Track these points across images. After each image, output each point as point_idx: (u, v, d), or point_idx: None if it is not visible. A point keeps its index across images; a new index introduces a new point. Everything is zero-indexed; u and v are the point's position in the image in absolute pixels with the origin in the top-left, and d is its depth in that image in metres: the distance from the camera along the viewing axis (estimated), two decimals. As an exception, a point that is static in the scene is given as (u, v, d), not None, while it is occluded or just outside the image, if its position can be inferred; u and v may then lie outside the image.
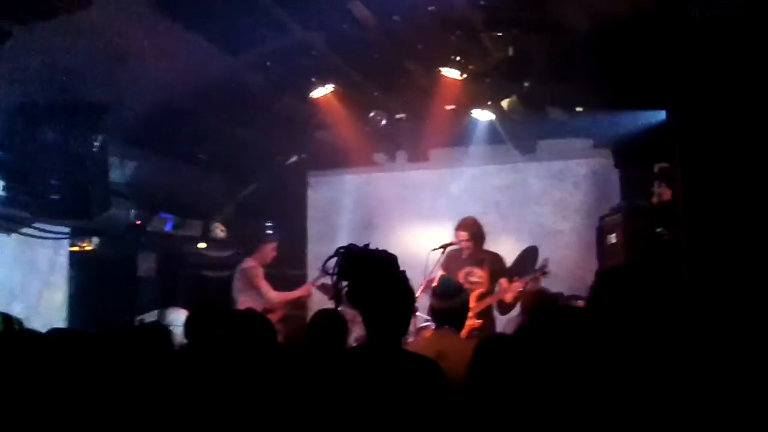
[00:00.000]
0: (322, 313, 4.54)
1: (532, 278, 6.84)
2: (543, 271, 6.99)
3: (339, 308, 3.56)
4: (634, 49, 5.03)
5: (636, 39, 4.93)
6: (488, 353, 3.30)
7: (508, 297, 6.79)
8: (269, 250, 7.72)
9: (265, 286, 7.39)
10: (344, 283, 3.13)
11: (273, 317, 6.89)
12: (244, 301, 7.19)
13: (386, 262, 3.18)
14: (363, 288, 3.11)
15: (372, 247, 3.21)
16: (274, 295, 7.44)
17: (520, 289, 6.68)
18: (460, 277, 6.90)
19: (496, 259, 7.09)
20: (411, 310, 3.25)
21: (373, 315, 3.13)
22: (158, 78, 6.71)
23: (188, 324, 4.31)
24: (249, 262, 7.53)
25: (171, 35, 6.22)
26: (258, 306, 6.85)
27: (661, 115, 4.75)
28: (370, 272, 3.11)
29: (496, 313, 7.12)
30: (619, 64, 5.41)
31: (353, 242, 3.20)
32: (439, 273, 6.67)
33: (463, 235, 7.04)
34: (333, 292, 3.19)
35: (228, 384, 3.24)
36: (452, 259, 7.17)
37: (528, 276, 6.90)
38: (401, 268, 3.22)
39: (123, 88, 6.56)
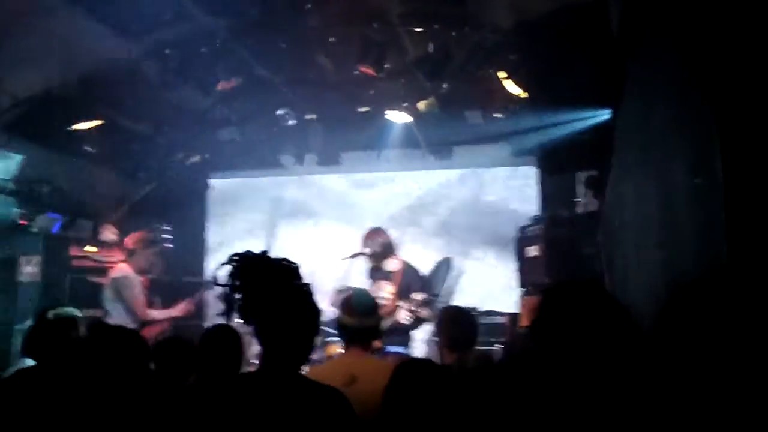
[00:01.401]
0: (215, 329, 3.95)
1: (426, 299, 6.28)
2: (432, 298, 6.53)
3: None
4: (561, 45, 4.67)
5: (562, 34, 4.56)
6: (407, 378, 3.03)
7: (402, 317, 6.24)
8: (147, 256, 6.74)
9: (138, 300, 6.41)
10: (237, 296, 2.58)
11: (153, 330, 6.22)
12: (117, 314, 6.32)
13: (286, 271, 2.65)
14: (258, 302, 2.57)
15: (273, 254, 2.68)
16: (145, 312, 6.40)
17: (412, 309, 6.14)
18: (373, 291, 6.42)
19: (410, 273, 6.56)
20: (315, 329, 2.72)
21: (269, 334, 2.60)
22: (40, 60, 5.99)
23: (30, 339, 3.62)
24: (121, 270, 6.55)
25: (56, 12, 5.53)
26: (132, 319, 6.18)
27: (602, 114, 4.39)
28: (267, 283, 2.57)
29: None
30: (544, 61, 5.05)
31: (255, 249, 2.67)
32: (350, 286, 6.14)
33: (370, 244, 6.52)
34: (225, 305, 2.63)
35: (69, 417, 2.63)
36: (373, 269, 6.67)
37: (422, 296, 6.32)
38: (304, 280, 2.70)
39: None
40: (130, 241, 6.70)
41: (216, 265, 2.65)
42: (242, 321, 2.66)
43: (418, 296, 6.18)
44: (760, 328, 1.49)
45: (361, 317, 3.82)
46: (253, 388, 2.52)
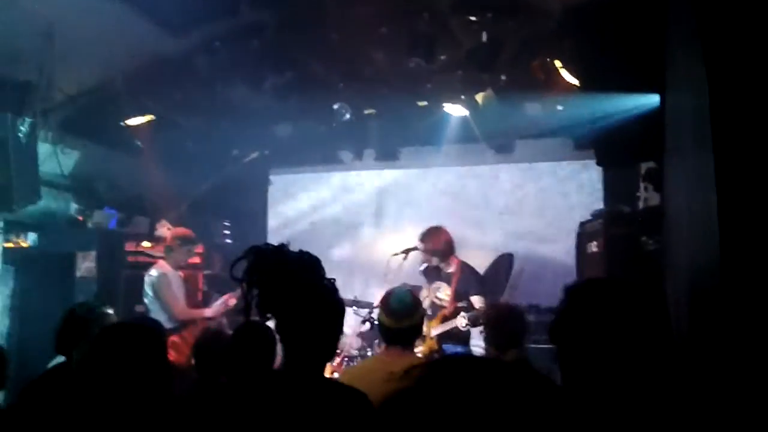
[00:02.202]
0: (245, 326, 3.86)
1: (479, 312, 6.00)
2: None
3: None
4: (615, 29, 4.41)
5: (618, 17, 4.31)
6: (439, 375, 2.81)
7: (461, 325, 6.00)
8: (184, 253, 6.66)
9: (172, 298, 6.27)
10: (255, 292, 2.48)
11: (197, 329, 6.10)
12: (155, 312, 6.28)
13: (305, 265, 2.53)
14: (275, 297, 2.46)
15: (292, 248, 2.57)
16: (181, 311, 6.34)
17: (465, 323, 5.89)
18: (430, 291, 6.24)
19: (468, 274, 6.33)
20: (337, 327, 2.59)
21: (288, 331, 2.49)
22: (91, 56, 6.05)
23: (59, 335, 3.57)
24: (158, 268, 6.48)
25: (104, 8, 5.55)
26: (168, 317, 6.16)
27: (652, 100, 4.13)
28: (283, 277, 2.46)
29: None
30: (600, 47, 4.80)
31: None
32: (403, 283, 5.95)
33: (422, 247, 6.32)
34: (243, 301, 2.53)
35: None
36: (431, 269, 6.48)
37: (481, 302, 6.06)
38: (326, 275, 2.58)
39: (50, 67, 5.87)
40: (168, 237, 6.71)
41: (234, 260, 2.56)
42: (260, 317, 2.56)
43: (477, 302, 5.97)
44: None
45: (398, 318, 3.67)
46: (273, 388, 2.42)
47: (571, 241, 7.64)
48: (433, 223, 6.50)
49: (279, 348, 3.99)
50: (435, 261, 6.30)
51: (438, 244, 6.25)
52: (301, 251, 2.58)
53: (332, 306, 2.55)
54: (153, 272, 6.44)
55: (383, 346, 4.09)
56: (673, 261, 4.21)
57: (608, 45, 4.43)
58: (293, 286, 2.48)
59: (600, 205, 7.84)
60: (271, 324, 3.16)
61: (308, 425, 2.30)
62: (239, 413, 2.32)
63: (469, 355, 3.39)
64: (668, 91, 3.24)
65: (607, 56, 4.43)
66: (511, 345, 4.18)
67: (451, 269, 6.28)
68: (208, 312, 6.53)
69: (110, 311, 3.68)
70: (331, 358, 2.70)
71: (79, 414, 2.50)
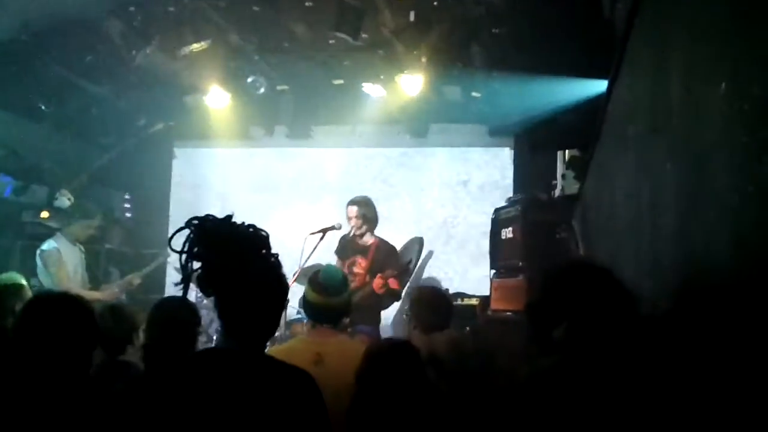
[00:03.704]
0: (167, 302, 3.67)
1: (397, 273, 6.10)
2: (406, 268, 6.37)
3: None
4: (549, 13, 4.40)
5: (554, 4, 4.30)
6: (379, 359, 2.95)
7: (378, 290, 6.03)
8: (83, 228, 6.33)
9: (63, 274, 5.94)
10: (196, 265, 2.31)
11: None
12: (46, 286, 5.92)
13: (253, 239, 2.38)
14: (219, 272, 2.30)
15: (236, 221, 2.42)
16: (70, 289, 5.63)
17: (382, 284, 5.95)
18: (344, 267, 6.19)
19: (383, 248, 6.34)
20: (282, 304, 2.47)
21: (231, 308, 2.34)
22: (-1, 10, 5.62)
23: None
24: (53, 240, 6.13)
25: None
26: None
27: (595, 87, 4.14)
28: (230, 251, 2.30)
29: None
30: (531, 33, 4.79)
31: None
32: (317, 262, 5.87)
33: (354, 211, 6.28)
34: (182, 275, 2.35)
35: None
36: (344, 245, 6.45)
37: (392, 271, 6.12)
38: (274, 250, 2.44)
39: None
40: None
41: (173, 231, 2.38)
42: (201, 292, 2.40)
43: (390, 273, 5.99)
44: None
45: (329, 296, 3.57)
46: (213, 366, 2.26)
47: (480, 228, 7.74)
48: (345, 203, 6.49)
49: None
50: (359, 229, 6.27)
51: (373, 211, 6.27)
52: (246, 224, 2.43)
53: (279, 282, 2.43)
54: (45, 245, 6.12)
55: (308, 324, 4.00)
56: (602, 246, 4.27)
57: (548, 30, 4.43)
58: (240, 261, 2.33)
59: (510, 192, 7.94)
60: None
61: (256, 403, 2.17)
62: (185, 391, 2.16)
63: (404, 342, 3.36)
64: (620, 78, 3.25)
65: (547, 42, 4.43)
66: (439, 328, 4.19)
67: (368, 242, 6.29)
68: (100, 295, 6.22)
69: (23, 282, 3.45)
70: (272, 336, 2.58)
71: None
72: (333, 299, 3.58)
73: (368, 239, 6.38)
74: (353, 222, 6.34)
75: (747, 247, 1.60)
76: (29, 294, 4.08)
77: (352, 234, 6.39)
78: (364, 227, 6.32)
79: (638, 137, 2.80)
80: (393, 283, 6.02)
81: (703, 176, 1.93)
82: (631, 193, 2.97)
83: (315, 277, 3.68)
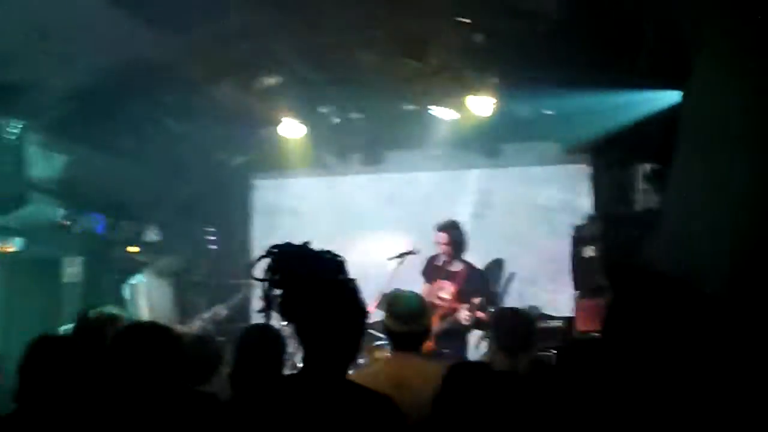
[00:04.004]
0: (253, 329, 3.76)
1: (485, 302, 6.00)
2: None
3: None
4: (617, 23, 4.35)
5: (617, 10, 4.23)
6: (459, 382, 2.82)
7: (463, 318, 5.96)
8: (170, 262, 6.56)
9: (142, 308, 6.20)
10: (277, 292, 2.38)
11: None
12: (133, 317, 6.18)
13: (331, 266, 2.44)
14: (299, 298, 2.36)
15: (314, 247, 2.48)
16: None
17: (468, 315, 5.86)
18: (431, 291, 6.16)
19: (472, 274, 6.29)
20: (362, 330, 2.50)
21: (311, 335, 2.39)
22: (83, 58, 5.91)
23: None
24: (141, 275, 6.35)
25: (100, 9, 5.42)
26: None
27: (668, 97, 4.06)
28: (308, 277, 2.36)
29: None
30: (600, 44, 4.74)
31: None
32: (397, 287, 5.88)
33: (443, 238, 6.23)
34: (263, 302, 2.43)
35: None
36: (432, 268, 6.41)
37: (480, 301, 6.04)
38: (349, 275, 2.49)
39: (42, 69, 5.74)
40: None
41: (254, 259, 2.46)
42: (282, 319, 2.46)
43: (477, 299, 5.93)
44: None
45: (407, 323, 3.58)
46: (295, 392, 2.32)
47: (560, 247, 7.63)
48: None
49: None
50: (449, 255, 6.22)
51: (461, 235, 6.23)
52: (323, 250, 2.50)
53: (358, 307, 2.47)
54: (133, 279, 6.37)
55: (389, 350, 4.02)
56: (684, 258, 4.17)
57: (618, 41, 4.39)
58: (318, 287, 2.38)
59: (590, 210, 7.82)
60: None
61: (339, 429, 2.21)
62: (268, 418, 2.22)
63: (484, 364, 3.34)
64: (692, 89, 3.19)
65: (618, 53, 4.39)
66: (522, 349, 4.11)
67: (457, 268, 6.24)
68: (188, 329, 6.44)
69: (121, 313, 3.61)
70: (353, 361, 2.61)
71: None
72: (411, 326, 3.58)
73: (457, 264, 6.30)
74: (443, 249, 6.25)
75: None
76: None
77: (440, 258, 6.33)
78: (449, 253, 6.26)
79: (714, 145, 2.76)
80: (481, 315, 5.95)
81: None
82: (710, 203, 2.92)
83: (392, 305, 3.70)
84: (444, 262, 6.27)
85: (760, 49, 1.97)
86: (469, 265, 6.30)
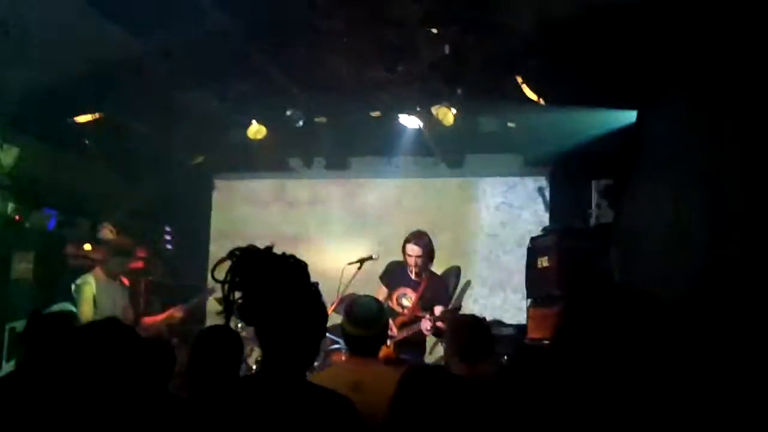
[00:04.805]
0: (211, 330, 3.76)
1: (446, 315, 6.04)
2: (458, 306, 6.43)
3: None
4: (583, 47, 4.46)
5: (586, 35, 4.35)
6: (414, 386, 2.78)
7: (425, 328, 6.01)
8: (121, 262, 6.43)
9: (85, 309, 5.91)
10: (237, 294, 2.39)
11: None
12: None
13: (293, 269, 2.46)
14: (260, 301, 2.38)
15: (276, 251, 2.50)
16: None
17: (431, 326, 5.91)
18: (391, 297, 6.19)
19: (436, 284, 6.34)
20: (322, 332, 2.53)
21: (272, 336, 2.41)
22: (42, 53, 5.83)
23: (25, 336, 3.38)
24: (89, 275, 6.23)
25: (65, 6, 5.37)
26: None
27: (626, 117, 4.17)
28: (271, 280, 2.38)
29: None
30: (565, 65, 4.85)
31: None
32: (355, 292, 5.90)
33: (416, 250, 6.23)
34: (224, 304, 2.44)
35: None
36: (394, 274, 6.41)
37: (443, 312, 6.08)
38: (312, 279, 2.51)
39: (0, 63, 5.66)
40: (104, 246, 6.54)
41: (215, 261, 2.47)
42: (242, 322, 2.48)
43: (439, 309, 5.99)
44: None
45: (364, 327, 3.62)
46: (254, 393, 2.34)
47: (517, 257, 7.76)
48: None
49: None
50: (418, 267, 6.22)
51: (431, 246, 6.23)
52: (285, 254, 2.52)
53: (319, 311, 2.50)
54: (79, 279, 6.27)
55: (346, 354, 4.05)
56: (638, 272, 4.28)
57: (582, 63, 4.49)
58: (281, 290, 2.41)
59: (546, 222, 7.98)
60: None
61: (297, 428, 2.24)
62: (226, 418, 2.23)
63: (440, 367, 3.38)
64: (652, 109, 3.28)
65: (580, 73, 4.49)
66: (481, 357, 4.15)
67: (420, 277, 6.26)
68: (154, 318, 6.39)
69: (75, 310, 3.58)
70: (312, 363, 2.64)
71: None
72: (368, 331, 3.62)
73: (422, 273, 6.29)
74: (414, 261, 6.21)
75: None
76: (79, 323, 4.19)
77: (405, 266, 6.35)
78: (423, 264, 6.25)
79: (670, 165, 2.84)
80: (441, 326, 5.96)
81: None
82: (667, 220, 3.01)
83: (350, 310, 3.73)
84: (411, 271, 6.28)
85: (715, 89, 2.05)
86: (432, 274, 6.34)
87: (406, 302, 6.20)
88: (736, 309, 1.95)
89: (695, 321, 2.37)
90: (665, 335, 2.04)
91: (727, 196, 1.92)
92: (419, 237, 6.25)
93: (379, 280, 6.43)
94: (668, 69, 3.02)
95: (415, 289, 6.22)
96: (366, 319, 3.64)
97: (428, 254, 6.23)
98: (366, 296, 4.58)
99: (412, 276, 6.25)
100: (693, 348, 2.20)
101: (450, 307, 6.14)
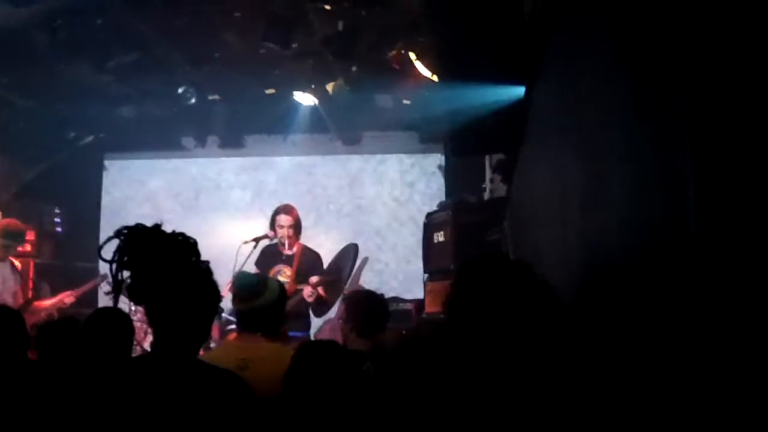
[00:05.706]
0: (101, 313, 3.67)
1: (327, 280, 6.16)
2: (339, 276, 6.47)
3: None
4: (471, 21, 4.53)
5: (473, 9, 4.41)
6: (309, 360, 2.86)
7: (308, 298, 6.07)
8: (5, 245, 6.22)
9: None
10: (126, 273, 2.35)
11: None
12: None
13: (182, 246, 2.44)
14: (149, 280, 2.35)
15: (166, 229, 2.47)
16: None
17: (311, 292, 6.00)
18: (270, 275, 6.19)
19: (310, 256, 6.38)
20: (213, 311, 2.51)
21: (162, 316, 2.38)
22: None
23: None
24: None
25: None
26: None
27: (515, 92, 4.28)
28: (159, 259, 2.35)
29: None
30: (455, 40, 4.92)
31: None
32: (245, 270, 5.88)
33: (287, 220, 6.26)
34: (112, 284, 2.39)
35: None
36: (266, 255, 6.42)
37: (323, 276, 6.19)
38: (206, 258, 2.49)
39: None
40: None
41: (103, 240, 2.42)
42: (132, 301, 2.44)
43: (315, 278, 6.05)
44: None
45: (245, 301, 3.63)
46: (146, 373, 2.31)
47: (414, 232, 7.88)
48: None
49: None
50: (290, 238, 6.25)
51: (297, 218, 6.27)
52: (175, 232, 2.48)
53: (209, 289, 2.48)
54: None
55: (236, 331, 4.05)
56: (526, 246, 4.42)
57: (470, 37, 4.57)
58: (170, 269, 2.38)
59: (443, 197, 8.12)
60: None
61: (187, 406, 2.23)
62: (116, 397, 2.20)
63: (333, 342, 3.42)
64: (537, 83, 3.39)
65: (469, 49, 4.56)
66: (377, 331, 4.20)
67: (292, 251, 6.30)
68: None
69: None
70: (204, 342, 2.62)
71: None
72: (249, 303, 3.62)
73: (290, 248, 6.34)
74: (286, 231, 6.30)
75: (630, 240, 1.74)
76: None
77: (276, 243, 6.37)
78: (286, 235, 6.28)
79: (552, 138, 2.95)
80: (321, 291, 6.06)
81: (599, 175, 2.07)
82: (547, 192, 3.12)
83: (233, 284, 3.78)
84: (278, 245, 6.32)
85: (597, 55, 2.14)
86: (305, 247, 6.39)
87: (282, 279, 6.21)
88: (611, 275, 2.05)
89: (581, 301, 2.49)
90: (547, 302, 2.14)
91: (602, 166, 2.02)
92: (289, 208, 6.34)
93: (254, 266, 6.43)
94: (551, 42, 3.12)
95: (289, 264, 6.27)
96: (248, 292, 3.65)
97: (297, 225, 6.31)
98: (243, 271, 4.58)
99: (285, 251, 6.29)
100: (574, 311, 2.30)
101: (322, 277, 6.17)
